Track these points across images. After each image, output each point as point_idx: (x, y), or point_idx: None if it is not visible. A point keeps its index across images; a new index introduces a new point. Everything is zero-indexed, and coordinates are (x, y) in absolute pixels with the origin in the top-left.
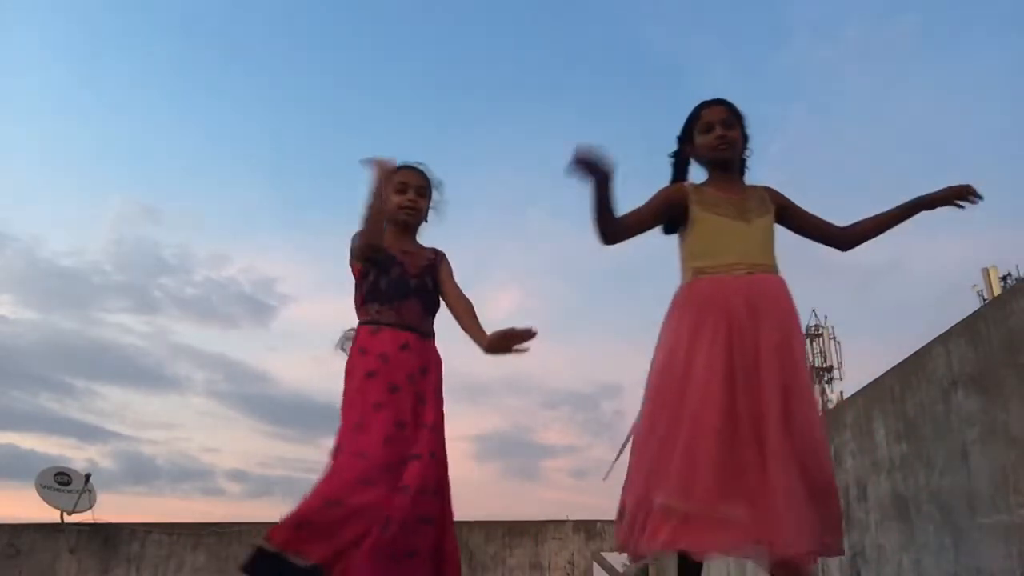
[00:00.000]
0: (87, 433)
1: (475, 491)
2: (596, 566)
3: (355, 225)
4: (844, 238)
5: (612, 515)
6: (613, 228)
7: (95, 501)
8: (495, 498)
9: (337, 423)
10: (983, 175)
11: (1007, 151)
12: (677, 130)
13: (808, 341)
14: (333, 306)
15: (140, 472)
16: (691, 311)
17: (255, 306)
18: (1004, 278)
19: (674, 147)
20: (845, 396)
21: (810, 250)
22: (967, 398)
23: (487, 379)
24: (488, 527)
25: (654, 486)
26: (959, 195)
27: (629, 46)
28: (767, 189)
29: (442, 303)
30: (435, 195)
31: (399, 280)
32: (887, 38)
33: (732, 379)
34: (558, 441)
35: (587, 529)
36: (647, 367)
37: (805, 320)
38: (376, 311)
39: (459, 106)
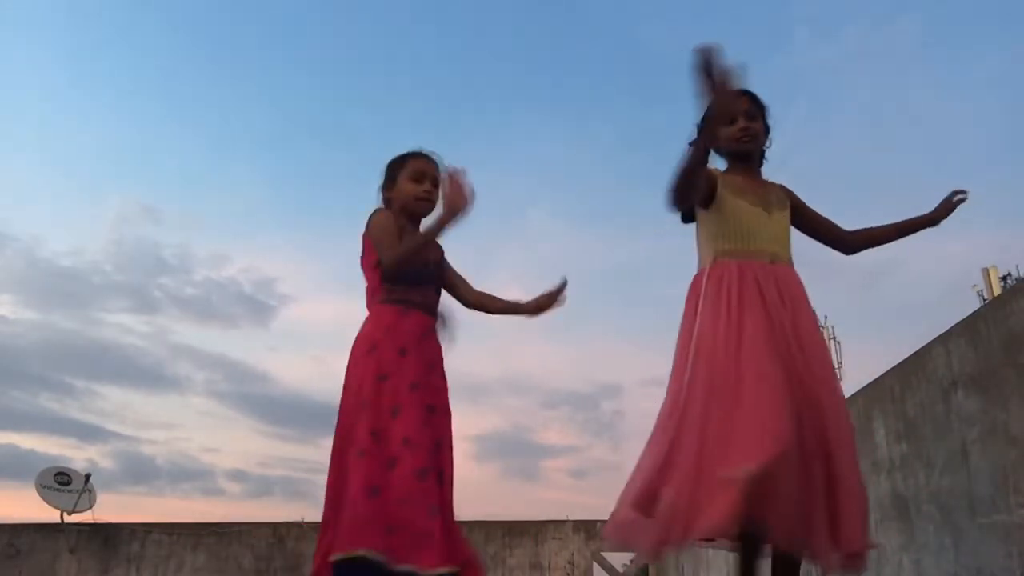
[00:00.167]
0: (87, 433)
1: (475, 491)
2: (596, 566)
3: (355, 226)
4: (850, 243)
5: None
6: (699, 179)
7: (95, 501)
8: (495, 498)
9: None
10: (983, 175)
11: (1007, 151)
12: (677, 130)
13: None
14: (333, 306)
15: (140, 472)
16: (726, 288)
17: (255, 306)
18: (1004, 278)
19: (691, 137)
20: (845, 396)
21: (810, 249)
22: (967, 398)
23: (487, 379)
24: (488, 527)
25: (719, 461)
26: (954, 205)
27: (628, 46)
28: (782, 187)
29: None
30: (442, 186)
31: (423, 265)
32: (887, 38)
33: (782, 355)
34: (558, 441)
35: (587, 529)
36: (672, 354)
37: None
38: (403, 291)
39: (459, 107)
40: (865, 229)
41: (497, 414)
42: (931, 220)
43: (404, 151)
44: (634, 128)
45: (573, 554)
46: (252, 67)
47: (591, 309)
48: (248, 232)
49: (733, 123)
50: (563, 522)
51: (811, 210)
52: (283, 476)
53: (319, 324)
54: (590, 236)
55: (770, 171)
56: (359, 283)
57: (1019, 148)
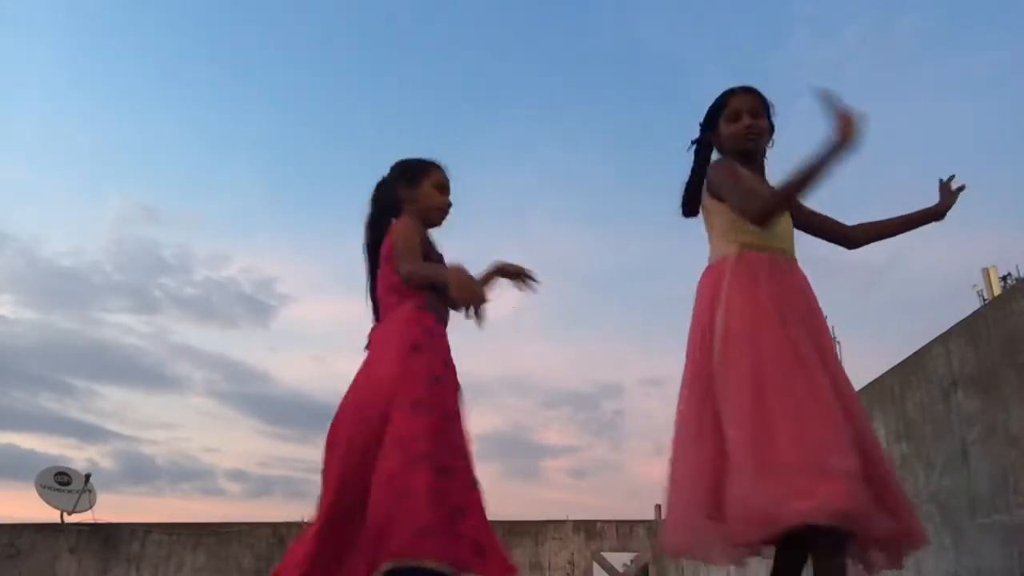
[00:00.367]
0: (87, 433)
1: None
2: (596, 566)
3: (355, 226)
4: (853, 238)
5: (611, 515)
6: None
7: (95, 501)
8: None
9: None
10: (983, 175)
11: (1007, 151)
12: (676, 130)
13: None
14: (333, 306)
15: (140, 472)
16: (762, 278)
17: (255, 306)
18: (1004, 278)
19: (695, 135)
20: None
21: (810, 249)
22: (967, 398)
23: (487, 379)
24: None
25: (795, 454)
26: (955, 193)
27: (628, 46)
28: None
29: None
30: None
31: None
32: (887, 38)
33: (813, 351)
34: (558, 441)
35: (587, 529)
36: (685, 347)
37: None
38: (436, 299)
39: (459, 107)
40: (868, 223)
41: (497, 414)
42: (936, 213)
43: (422, 157)
44: (634, 128)
45: (573, 554)
46: (252, 67)
47: (591, 309)
48: (248, 232)
49: (739, 120)
50: (563, 522)
51: (810, 208)
52: (283, 476)
53: (319, 324)
54: (590, 236)
55: (770, 171)
56: (359, 283)
57: (1019, 148)
